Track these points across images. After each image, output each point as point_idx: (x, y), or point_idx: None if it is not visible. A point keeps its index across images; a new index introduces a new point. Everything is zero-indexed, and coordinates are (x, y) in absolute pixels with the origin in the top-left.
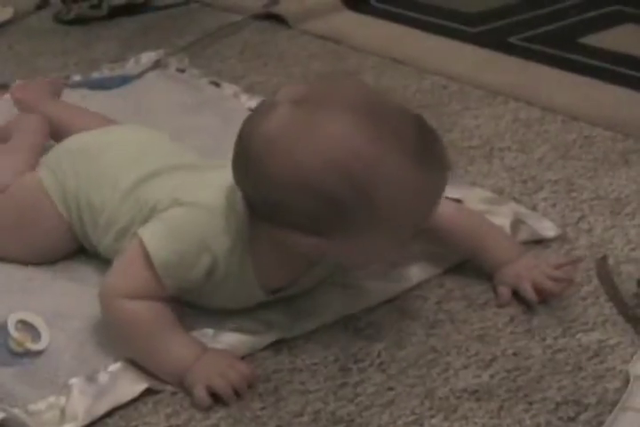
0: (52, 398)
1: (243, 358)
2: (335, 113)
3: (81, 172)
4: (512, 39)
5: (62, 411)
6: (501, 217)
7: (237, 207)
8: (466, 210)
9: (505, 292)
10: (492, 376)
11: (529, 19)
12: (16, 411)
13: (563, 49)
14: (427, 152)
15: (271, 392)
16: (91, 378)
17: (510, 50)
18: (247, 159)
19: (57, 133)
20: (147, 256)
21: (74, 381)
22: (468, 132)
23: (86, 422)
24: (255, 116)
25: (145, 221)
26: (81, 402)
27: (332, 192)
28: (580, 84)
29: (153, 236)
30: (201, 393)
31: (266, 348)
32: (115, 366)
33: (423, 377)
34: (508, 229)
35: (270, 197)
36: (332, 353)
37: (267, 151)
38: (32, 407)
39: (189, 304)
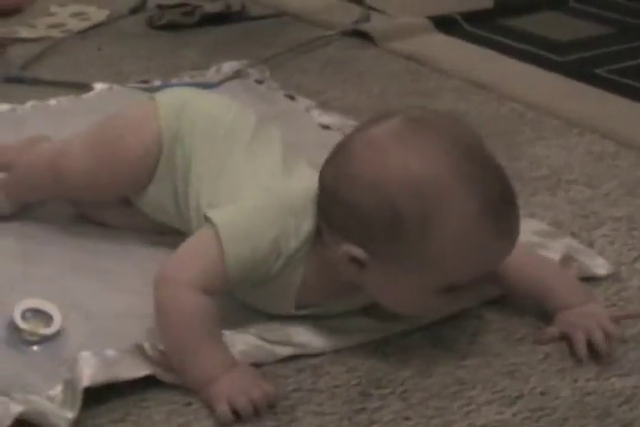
0: (65, 378)
1: (263, 373)
2: (442, 140)
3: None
4: (599, 70)
5: (72, 386)
6: (552, 251)
7: (313, 212)
8: (534, 253)
9: (552, 332)
10: (514, 414)
11: (619, 51)
12: (35, 398)
13: None
14: (503, 214)
15: (287, 411)
16: (97, 353)
17: (595, 81)
18: (341, 153)
19: None
20: (219, 247)
21: (82, 354)
22: (537, 162)
23: (86, 384)
24: (369, 121)
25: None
26: (85, 371)
27: (398, 204)
28: None
29: (230, 228)
30: (224, 408)
31: (289, 365)
32: (125, 348)
33: (443, 409)
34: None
35: (344, 196)
36: (355, 377)
37: (362, 149)
38: (52, 393)
39: None
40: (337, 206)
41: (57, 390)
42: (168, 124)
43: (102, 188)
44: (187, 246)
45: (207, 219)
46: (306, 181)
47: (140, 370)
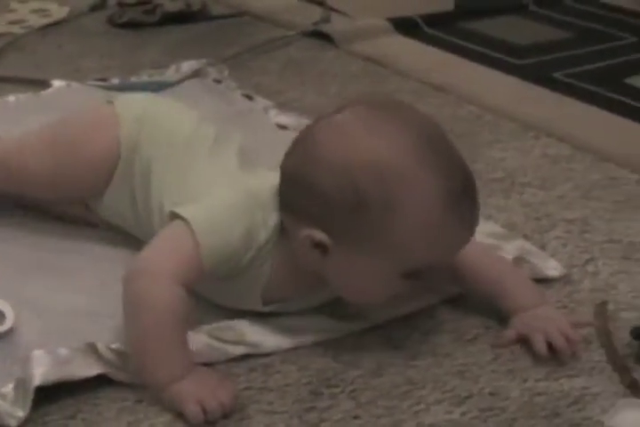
0: (17, 376)
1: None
2: (406, 127)
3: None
4: (557, 74)
5: (24, 384)
6: (505, 253)
7: (278, 207)
8: (492, 253)
9: (510, 336)
10: (463, 414)
11: (578, 55)
12: None
13: (606, 88)
14: (464, 202)
15: (237, 410)
16: (50, 351)
17: (553, 85)
18: (305, 141)
19: None
20: (193, 240)
21: (35, 353)
22: (492, 164)
23: (37, 383)
24: (332, 111)
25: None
26: (37, 369)
27: (362, 188)
28: (616, 125)
29: (202, 221)
30: (195, 409)
31: (240, 364)
32: (78, 346)
33: (392, 408)
34: None
35: (306, 179)
36: (305, 375)
37: (327, 134)
38: (3, 391)
39: None
40: (300, 192)
41: (8, 388)
42: (128, 135)
43: (58, 188)
44: (159, 240)
45: (175, 215)
46: (268, 179)
47: (92, 369)
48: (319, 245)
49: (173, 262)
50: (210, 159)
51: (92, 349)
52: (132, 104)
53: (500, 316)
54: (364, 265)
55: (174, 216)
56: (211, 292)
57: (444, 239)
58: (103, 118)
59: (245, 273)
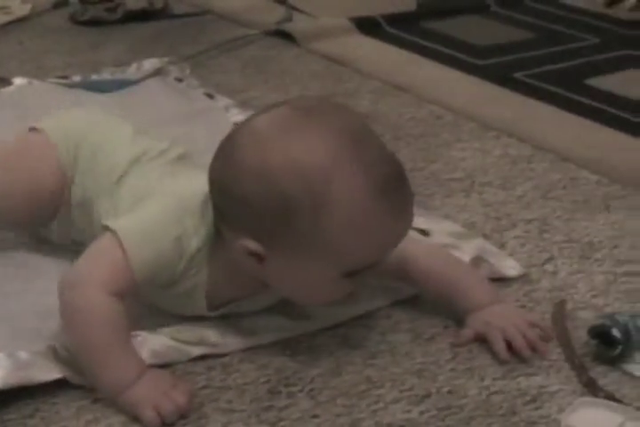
0: None
1: (173, 371)
2: (325, 126)
3: (93, 124)
4: (517, 75)
5: None
6: (464, 252)
7: (209, 213)
8: (440, 253)
9: (468, 334)
10: (421, 413)
11: (538, 56)
12: None
13: (567, 89)
14: (393, 194)
15: (195, 408)
16: (11, 354)
17: (513, 85)
18: (225, 146)
19: None
20: (122, 250)
21: None
22: (452, 164)
23: None
24: (255, 113)
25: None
26: None
27: (286, 192)
28: (577, 125)
29: (130, 232)
30: (151, 414)
31: (198, 363)
32: (38, 350)
33: (351, 407)
34: None
35: (232, 188)
36: (264, 375)
37: (245, 140)
38: None
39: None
40: (227, 200)
41: None
42: (66, 165)
43: (3, 222)
44: (89, 253)
45: (105, 228)
46: (196, 181)
47: (51, 373)
48: (254, 254)
49: (103, 273)
50: (142, 172)
51: (51, 351)
52: (66, 131)
53: (458, 315)
54: (301, 270)
55: (104, 229)
56: (157, 300)
57: (378, 234)
58: (42, 157)
59: (183, 282)
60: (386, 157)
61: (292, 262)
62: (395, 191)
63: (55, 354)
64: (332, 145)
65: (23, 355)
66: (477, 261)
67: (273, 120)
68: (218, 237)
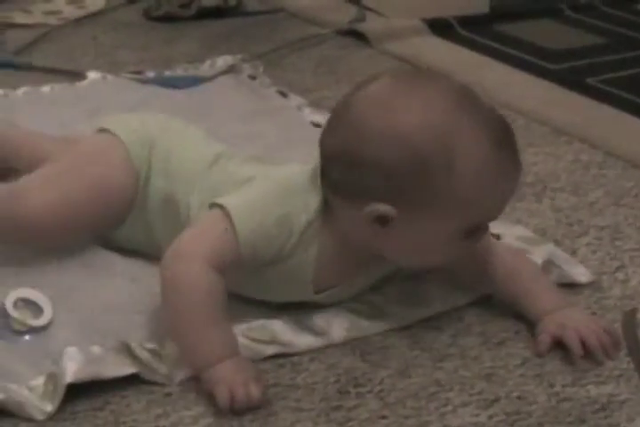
0: (49, 370)
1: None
2: (437, 87)
3: (166, 127)
4: (590, 80)
5: (55, 380)
6: (534, 256)
7: (318, 189)
8: (522, 256)
9: (546, 340)
10: (490, 417)
11: (612, 61)
12: (14, 387)
13: (639, 95)
14: (510, 144)
15: (265, 406)
16: (83, 349)
17: (586, 90)
18: (346, 113)
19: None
20: (230, 224)
21: (68, 349)
22: (525, 168)
23: (69, 380)
24: (359, 84)
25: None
26: (69, 366)
27: (421, 150)
28: None
29: (237, 206)
30: (224, 394)
31: (269, 361)
32: (111, 345)
33: (420, 409)
34: None
35: (356, 151)
36: (333, 374)
37: (369, 104)
38: (33, 383)
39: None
40: (353, 169)
41: (39, 380)
42: (139, 167)
43: (72, 230)
44: (196, 226)
45: (212, 205)
46: (298, 167)
47: (123, 368)
48: (381, 219)
49: (207, 245)
50: (229, 165)
51: (125, 348)
52: (137, 133)
53: (529, 320)
54: (429, 228)
55: (211, 206)
56: (259, 287)
57: (502, 183)
58: (112, 156)
59: (291, 259)
60: (494, 111)
61: (420, 222)
62: (510, 141)
63: (129, 351)
64: (451, 102)
65: (96, 349)
66: (548, 265)
67: (389, 87)
68: (329, 213)
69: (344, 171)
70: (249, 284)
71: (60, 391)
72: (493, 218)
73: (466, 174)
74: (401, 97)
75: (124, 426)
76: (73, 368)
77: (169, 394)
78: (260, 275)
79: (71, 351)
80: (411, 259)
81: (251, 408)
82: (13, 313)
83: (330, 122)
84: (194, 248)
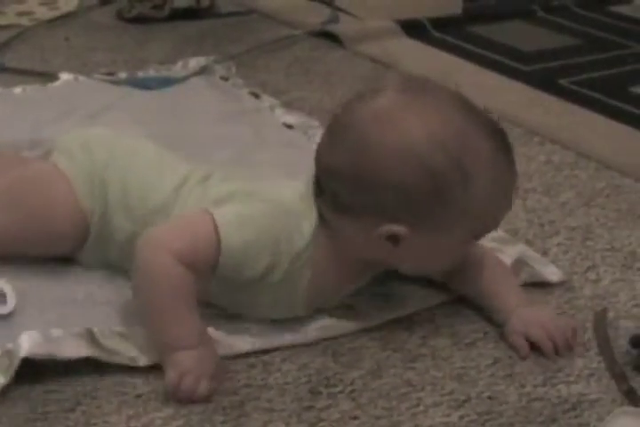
0: (5, 348)
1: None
2: (439, 100)
3: (115, 150)
4: (562, 81)
5: (10, 355)
6: (506, 256)
7: (312, 212)
8: (492, 256)
9: (521, 342)
10: (461, 417)
11: (584, 62)
12: None
13: (611, 96)
14: (508, 147)
15: (236, 406)
16: (44, 332)
17: (558, 92)
18: (347, 134)
19: None
20: (215, 229)
21: (28, 331)
22: None
23: (24, 354)
24: (357, 98)
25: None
26: (25, 343)
27: (436, 168)
28: (621, 133)
29: (226, 216)
30: (173, 378)
31: (240, 361)
32: (74, 330)
33: (391, 410)
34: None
35: (365, 172)
36: (305, 375)
37: (372, 125)
38: None
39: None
40: (364, 190)
41: None
42: (75, 175)
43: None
44: (177, 222)
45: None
46: (284, 184)
47: (82, 350)
48: (392, 237)
49: (186, 244)
50: (206, 189)
51: (86, 333)
52: (84, 165)
53: (498, 321)
54: (442, 241)
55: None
56: (247, 305)
57: (510, 187)
58: (45, 175)
59: (282, 283)
60: (490, 117)
61: (433, 236)
62: (508, 144)
63: (90, 336)
64: (456, 115)
65: (56, 332)
66: (519, 264)
67: (391, 103)
68: (324, 233)
69: (351, 191)
70: (236, 301)
71: (14, 365)
72: (500, 221)
73: (482, 187)
74: (404, 113)
75: None
76: (29, 344)
77: (140, 395)
78: (248, 294)
79: (30, 333)
80: (421, 268)
81: (194, 402)
82: None
83: (329, 139)
84: (169, 238)
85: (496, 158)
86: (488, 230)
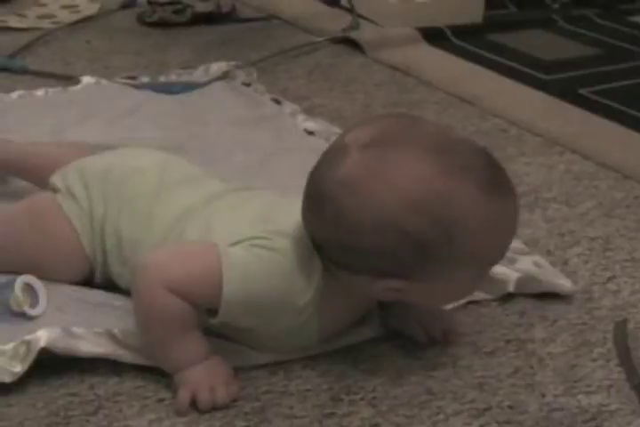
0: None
1: (236, 373)
2: (405, 153)
3: (110, 200)
4: (583, 91)
5: (28, 345)
6: (512, 271)
7: (318, 261)
8: None
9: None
10: (481, 426)
11: (605, 72)
12: None
13: (632, 106)
14: (496, 183)
15: (257, 412)
16: (65, 328)
17: (579, 101)
18: (323, 206)
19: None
20: (219, 279)
21: (48, 327)
22: (517, 178)
23: (43, 344)
24: (325, 161)
25: None
26: (45, 335)
27: (415, 232)
28: None
29: (233, 271)
30: (184, 396)
31: (261, 369)
32: (93, 329)
33: (412, 418)
34: (514, 281)
35: (349, 241)
36: (326, 382)
37: (343, 195)
38: (3, 348)
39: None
40: (354, 255)
41: (9, 346)
42: (77, 219)
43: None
44: (182, 251)
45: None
46: (288, 227)
47: (103, 348)
48: (393, 288)
49: (181, 274)
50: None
51: (108, 334)
52: (65, 182)
53: (519, 331)
54: (445, 285)
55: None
56: (259, 342)
57: (506, 223)
58: (49, 213)
59: (289, 328)
60: (473, 152)
61: (436, 282)
62: (497, 179)
63: (112, 337)
64: (426, 169)
65: (77, 330)
66: (523, 280)
67: (354, 169)
68: (331, 277)
69: (343, 256)
70: (248, 339)
71: (33, 354)
72: (506, 251)
73: (469, 238)
74: (372, 180)
75: None
76: (49, 336)
77: (162, 400)
78: (254, 335)
79: (51, 328)
80: (435, 304)
81: (217, 409)
82: (19, 292)
83: (309, 209)
84: (173, 276)
85: (481, 200)
86: (497, 260)
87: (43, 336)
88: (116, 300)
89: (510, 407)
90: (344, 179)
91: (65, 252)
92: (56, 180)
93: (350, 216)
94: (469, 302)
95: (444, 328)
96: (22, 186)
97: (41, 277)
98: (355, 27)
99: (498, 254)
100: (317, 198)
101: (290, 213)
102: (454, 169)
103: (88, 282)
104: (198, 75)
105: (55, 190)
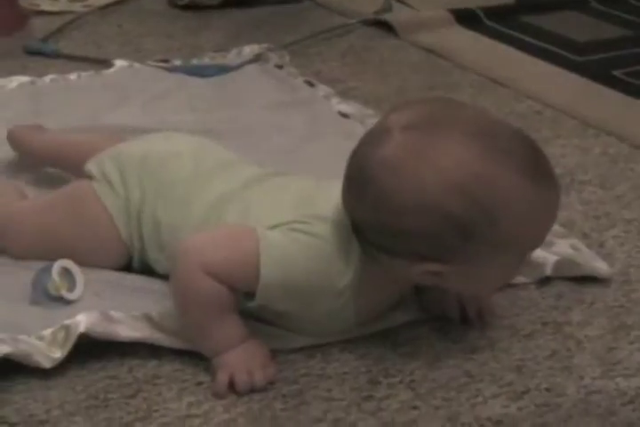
0: (63, 323)
1: (273, 356)
2: (447, 136)
3: (147, 186)
4: (616, 72)
5: (67, 330)
6: (551, 253)
7: (357, 245)
8: None
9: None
10: (519, 409)
11: (637, 53)
12: (24, 338)
13: None
14: (539, 170)
15: (295, 395)
16: (103, 313)
17: (612, 83)
18: (365, 187)
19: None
20: (256, 263)
21: (87, 311)
22: (553, 160)
23: (82, 330)
24: (367, 143)
25: None
26: (84, 319)
27: (457, 213)
28: None
29: (271, 252)
30: (222, 379)
31: (299, 351)
32: (131, 313)
33: (450, 400)
34: (551, 264)
35: (389, 223)
36: (364, 364)
37: (386, 178)
38: (43, 333)
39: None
40: (394, 237)
41: (47, 331)
42: (113, 205)
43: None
44: (221, 235)
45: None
46: (327, 211)
47: (141, 332)
48: (433, 272)
49: (219, 258)
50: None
51: (146, 318)
52: (102, 169)
53: (556, 313)
54: (484, 271)
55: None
56: (296, 324)
57: (548, 209)
58: (87, 199)
59: (327, 312)
60: (515, 136)
61: (477, 267)
62: (539, 163)
63: (149, 320)
64: (474, 150)
65: (115, 314)
66: (562, 263)
67: (397, 151)
68: (370, 260)
69: (383, 238)
70: (285, 322)
71: (72, 339)
72: (545, 238)
73: (510, 221)
74: (415, 161)
75: (156, 414)
76: (88, 320)
77: (200, 383)
78: (297, 319)
79: (90, 312)
80: (473, 290)
81: (255, 391)
82: (56, 276)
83: (349, 191)
84: (213, 262)
85: (523, 184)
86: (538, 245)
87: (82, 321)
88: (154, 284)
89: (548, 390)
90: (386, 160)
91: (103, 238)
92: (91, 167)
93: (392, 197)
94: (507, 286)
95: (481, 309)
96: (57, 174)
97: (79, 264)
98: (387, 9)
99: (539, 239)
100: (359, 180)
101: (328, 197)
102: (495, 154)
103: (126, 268)
104: (231, 58)
105: (91, 177)
